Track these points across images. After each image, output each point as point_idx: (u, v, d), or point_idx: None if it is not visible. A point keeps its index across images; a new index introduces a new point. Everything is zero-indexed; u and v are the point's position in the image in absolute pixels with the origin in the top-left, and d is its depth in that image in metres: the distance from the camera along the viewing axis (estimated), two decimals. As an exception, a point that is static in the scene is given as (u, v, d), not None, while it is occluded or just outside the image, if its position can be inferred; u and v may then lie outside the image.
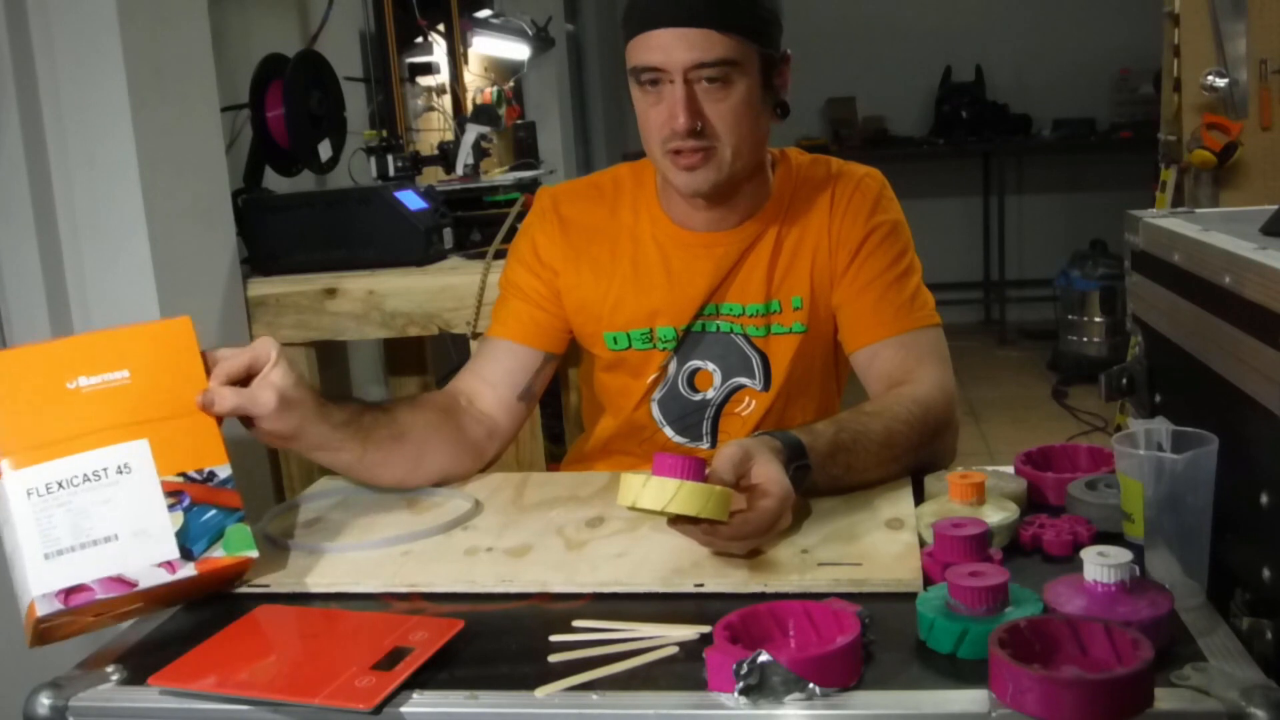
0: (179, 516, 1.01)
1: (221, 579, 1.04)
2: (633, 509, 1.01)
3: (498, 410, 1.42)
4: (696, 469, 1.00)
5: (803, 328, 1.42)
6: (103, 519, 0.98)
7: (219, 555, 1.02)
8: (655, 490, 0.99)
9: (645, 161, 1.44)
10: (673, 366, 1.44)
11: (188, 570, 1.00)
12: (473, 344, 2.18)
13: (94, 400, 1.01)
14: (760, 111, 1.34)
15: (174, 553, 1.00)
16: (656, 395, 1.46)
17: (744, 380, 1.43)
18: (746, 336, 1.42)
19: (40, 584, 0.95)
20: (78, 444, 1.00)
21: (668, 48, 1.26)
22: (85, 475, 0.99)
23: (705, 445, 1.46)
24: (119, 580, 0.97)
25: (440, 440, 1.33)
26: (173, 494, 1.02)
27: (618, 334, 1.44)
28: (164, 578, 0.99)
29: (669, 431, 1.46)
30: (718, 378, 1.44)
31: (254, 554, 1.04)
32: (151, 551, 0.99)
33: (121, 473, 1.00)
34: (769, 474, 1.05)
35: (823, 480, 1.15)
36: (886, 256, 1.40)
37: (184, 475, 1.03)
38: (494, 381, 1.43)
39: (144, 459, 1.01)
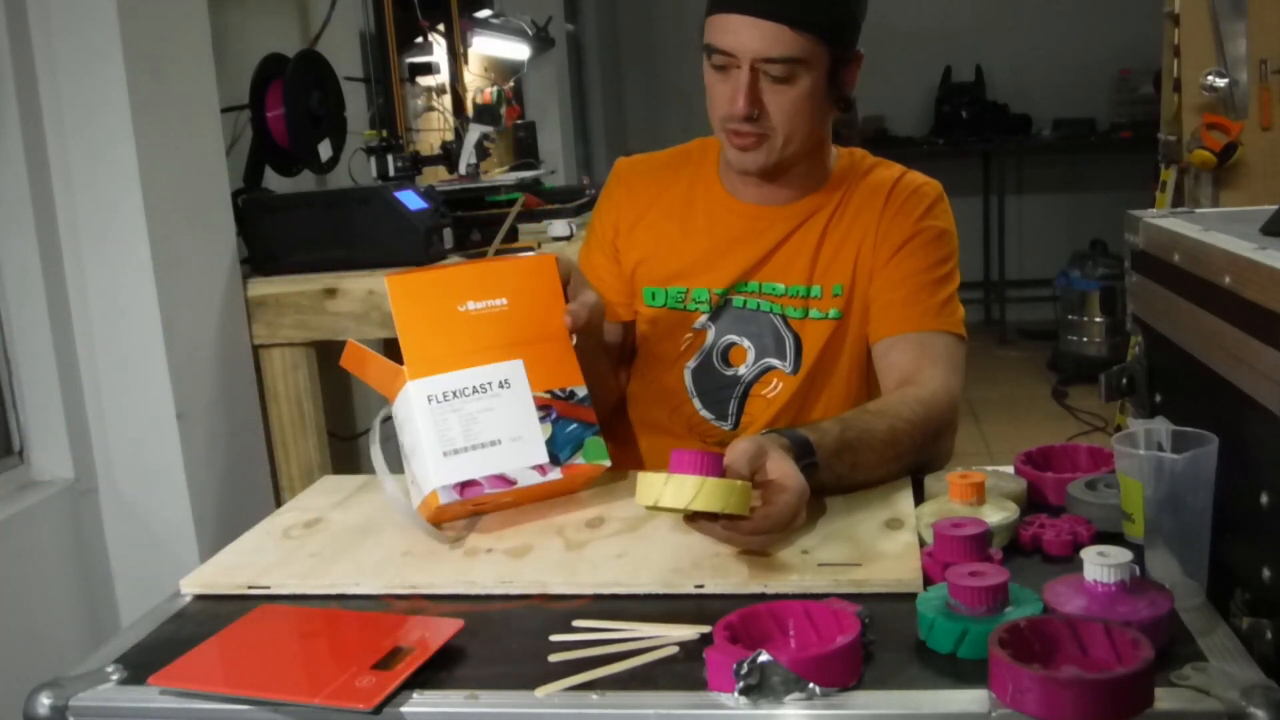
0: (548, 427, 1.17)
1: (580, 483, 1.21)
2: (653, 509, 1.00)
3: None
4: (715, 464, 0.99)
5: (839, 314, 1.44)
6: (488, 425, 1.14)
7: (580, 462, 1.18)
8: (677, 488, 0.98)
9: (714, 139, 1.49)
10: (710, 337, 1.47)
11: (555, 474, 1.16)
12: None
13: (479, 322, 1.17)
14: (821, 105, 1.38)
15: (544, 458, 1.16)
16: (691, 364, 1.48)
17: (775, 361, 1.45)
18: (784, 317, 1.45)
19: (439, 477, 1.11)
20: (466, 359, 1.16)
21: (740, 34, 1.31)
22: (474, 387, 1.15)
23: (728, 425, 1.47)
24: (501, 479, 1.13)
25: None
26: (542, 408, 1.18)
27: (655, 289, 1.49)
28: (536, 479, 1.15)
29: (697, 403, 1.48)
30: (751, 355, 1.46)
31: (608, 463, 1.20)
32: (527, 455, 1.15)
33: (503, 387, 1.16)
34: (784, 469, 1.05)
35: (828, 478, 1.16)
36: (928, 258, 1.43)
37: (550, 392, 1.19)
38: None
39: (520, 376, 1.17)
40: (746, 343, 1.46)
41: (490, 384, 1.15)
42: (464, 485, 1.11)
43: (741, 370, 1.47)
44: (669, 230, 1.50)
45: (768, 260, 1.45)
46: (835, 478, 1.17)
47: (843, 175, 1.48)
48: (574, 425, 1.19)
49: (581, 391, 1.21)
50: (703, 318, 1.47)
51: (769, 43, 1.30)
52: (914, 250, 1.43)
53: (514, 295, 1.19)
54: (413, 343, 1.15)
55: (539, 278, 1.22)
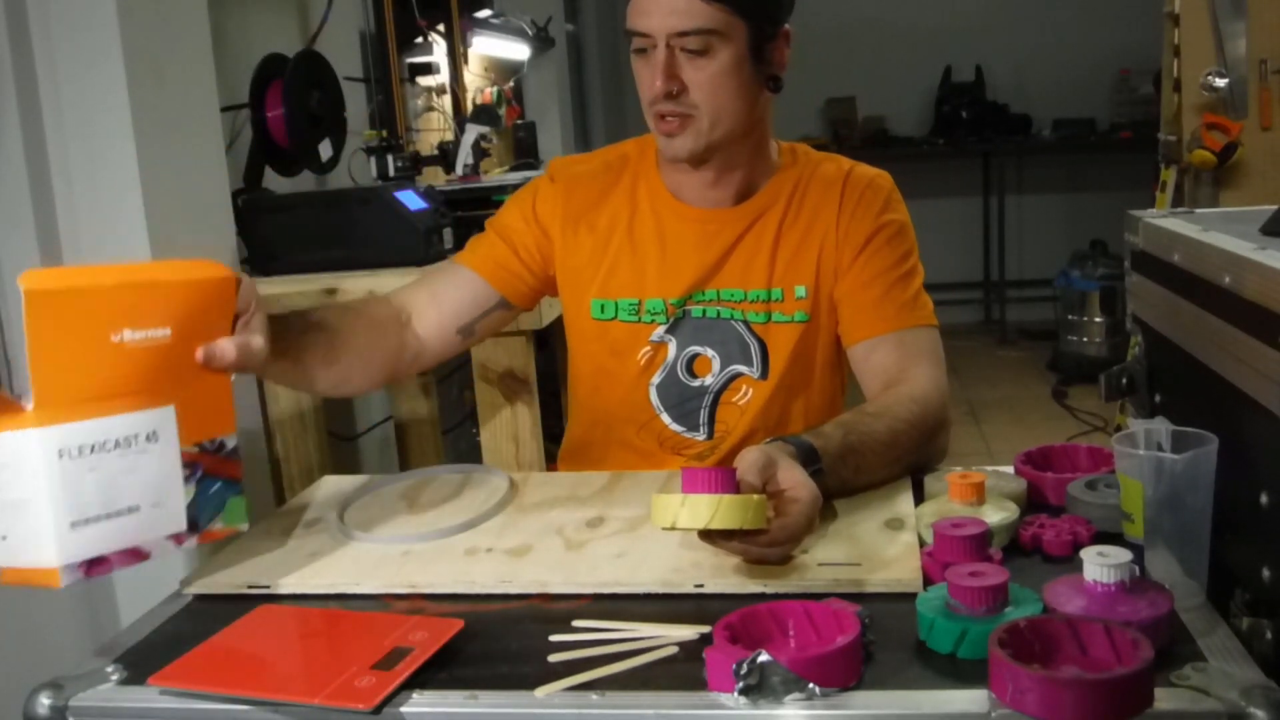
0: (191, 489, 0.99)
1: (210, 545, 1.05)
2: (670, 530, 0.99)
3: (434, 335, 1.43)
4: (728, 480, 0.98)
5: (805, 317, 1.42)
6: (128, 489, 0.94)
7: (218, 527, 1.01)
8: (693, 509, 0.96)
9: (649, 136, 1.45)
10: (672, 350, 1.44)
11: (191, 542, 0.99)
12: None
13: (135, 356, 0.94)
14: (748, 84, 1.34)
15: (183, 525, 0.98)
16: (655, 380, 1.45)
17: (742, 368, 1.43)
18: (746, 323, 1.42)
19: (65, 553, 0.91)
20: (114, 404, 0.94)
21: (653, 13, 1.29)
22: (118, 440, 0.93)
23: (701, 435, 1.45)
24: (134, 552, 0.95)
25: (367, 359, 1.35)
26: (189, 464, 0.99)
27: (605, 302, 1.45)
28: (172, 550, 0.97)
29: (666, 418, 1.46)
30: (716, 364, 1.44)
31: (245, 526, 1.04)
32: (165, 524, 0.97)
33: (150, 440, 0.96)
34: (795, 478, 1.05)
35: (834, 484, 1.15)
36: (893, 255, 1.42)
37: (200, 445, 1.00)
38: (441, 305, 1.44)
39: (170, 427, 0.97)
40: (710, 352, 1.43)
41: (137, 436, 0.95)
42: (91, 564, 0.93)
43: (708, 380, 1.44)
44: (618, 239, 1.45)
45: (723, 265, 1.42)
46: (840, 483, 1.16)
47: (789, 171, 1.45)
48: (218, 485, 1.01)
49: (232, 441, 1.03)
50: (659, 329, 1.44)
51: (681, 16, 1.28)
52: (879, 248, 1.41)
53: (180, 324, 0.97)
54: (47, 376, 0.90)
55: (214, 302, 1.01)
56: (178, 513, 0.97)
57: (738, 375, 1.44)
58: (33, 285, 0.89)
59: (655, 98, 1.32)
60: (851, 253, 1.41)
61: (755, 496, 0.98)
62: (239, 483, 1.03)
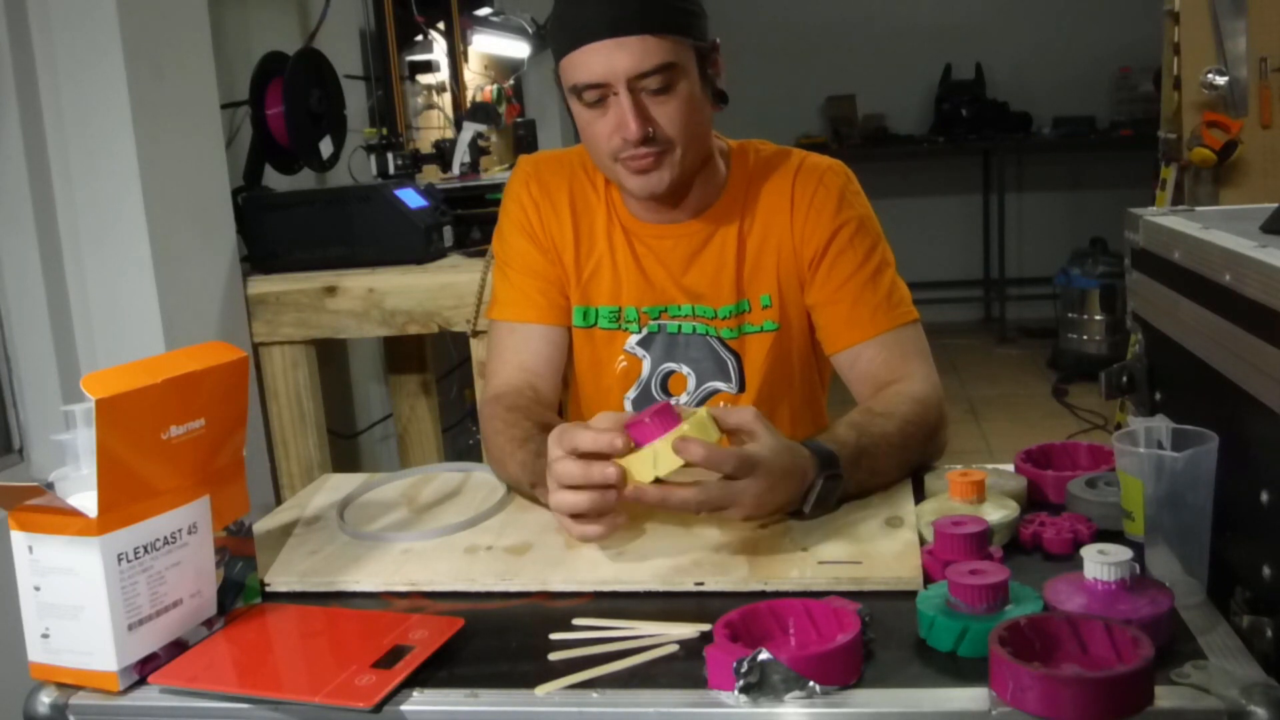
0: (220, 573, 0.99)
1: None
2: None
3: (554, 395, 1.42)
4: (669, 415, 1.03)
5: (774, 325, 1.40)
6: (173, 584, 0.95)
7: (240, 605, 1.02)
8: (663, 457, 1.01)
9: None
10: (646, 367, 1.43)
11: (219, 624, 0.99)
12: (473, 342, 2.18)
13: (178, 451, 0.94)
14: (703, 105, 1.33)
15: (214, 610, 0.99)
16: (630, 394, 1.44)
17: (718, 385, 1.42)
18: (721, 339, 1.41)
19: (123, 657, 0.90)
20: (162, 502, 0.94)
21: (607, 60, 1.25)
22: (165, 538, 0.94)
23: None
24: (176, 643, 0.95)
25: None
26: (219, 549, 0.99)
27: (588, 309, 1.43)
28: (203, 634, 0.98)
29: None
30: (692, 382, 1.42)
31: (259, 600, 1.05)
32: (200, 612, 0.97)
33: (191, 533, 0.96)
34: (757, 427, 1.06)
35: (851, 487, 1.15)
36: (857, 255, 1.38)
37: (227, 529, 1.01)
38: (539, 370, 1.41)
39: (205, 517, 0.98)
40: (686, 369, 1.42)
41: (181, 531, 0.95)
42: (143, 662, 0.92)
43: (683, 399, 1.42)
44: (600, 246, 1.42)
45: (693, 282, 1.40)
46: (857, 485, 1.16)
47: (737, 177, 1.42)
48: (240, 564, 1.02)
49: (248, 520, 1.04)
50: (632, 339, 1.42)
51: (639, 57, 1.24)
52: (840, 251, 1.38)
53: (210, 412, 0.97)
54: (112, 481, 0.89)
55: (235, 385, 1.00)
56: (211, 599, 0.99)
57: (714, 392, 1.42)
58: (101, 393, 0.87)
59: (625, 144, 1.28)
60: (813, 258, 1.38)
61: (699, 412, 1.04)
62: (253, 558, 1.04)
